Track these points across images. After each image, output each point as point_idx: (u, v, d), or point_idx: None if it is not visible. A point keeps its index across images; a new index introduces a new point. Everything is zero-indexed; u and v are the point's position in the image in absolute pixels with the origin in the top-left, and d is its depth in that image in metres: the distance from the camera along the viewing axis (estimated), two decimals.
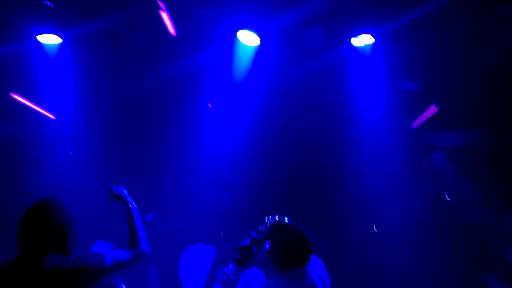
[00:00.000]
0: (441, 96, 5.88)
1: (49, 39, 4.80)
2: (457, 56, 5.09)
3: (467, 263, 6.04)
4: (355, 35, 4.85)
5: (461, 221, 6.89)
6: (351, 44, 4.87)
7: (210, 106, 5.98)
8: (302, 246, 2.52)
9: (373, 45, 4.79)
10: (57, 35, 4.77)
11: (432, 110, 6.17)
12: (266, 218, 2.68)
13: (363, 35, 4.81)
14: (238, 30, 4.79)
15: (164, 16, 4.76)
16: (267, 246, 2.59)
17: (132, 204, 2.58)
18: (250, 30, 4.75)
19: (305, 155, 6.13)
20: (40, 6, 4.29)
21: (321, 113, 5.60)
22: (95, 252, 3.80)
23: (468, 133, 6.42)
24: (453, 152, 6.87)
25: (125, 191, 2.64)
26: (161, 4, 4.64)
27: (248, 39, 4.81)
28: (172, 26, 4.84)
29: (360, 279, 6.30)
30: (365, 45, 4.78)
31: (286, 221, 2.61)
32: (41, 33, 4.70)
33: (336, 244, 6.54)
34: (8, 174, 6.25)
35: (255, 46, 4.85)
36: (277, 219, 2.63)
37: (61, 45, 4.85)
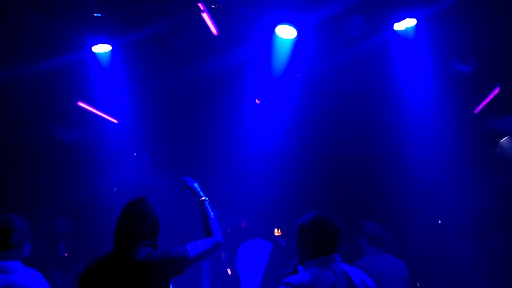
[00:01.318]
0: (501, 77, 5.49)
1: (101, 48, 5.17)
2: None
3: None
4: (397, 20, 4.68)
5: None
6: (393, 29, 4.70)
7: (258, 102, 6.08)
8: (326, 229, 2.54)
9: (416, 27, 4.57)
10: (108, 43, 5.12)
11: (493, 92, 5.80)
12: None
13: (406, 19, 4.61)
14: (276, 25, 4.82)
15: (205, 17, 4.93)
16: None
17: (204, 197, 2.77)
18: (288, 24, 4.76)
19: (355, 147, 6.00)
20: (90, 17, 4.65)
21: (367, 103, 5.46)
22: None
23: None
24: None
25: (196, 185, 2.83)
26: (202, 6, 4.82)
27: (285, 32, 4.82)
28: (213, 26, 5.00)
29: (423, 274, 6.05)
30: (407, 28, 4.58)
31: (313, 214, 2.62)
32: (95, 44, 5.08)
33: (397, 239, 6.31)
34: (80, 178, 6.77)
35: (292, 39, 4.85)
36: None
37: (112, 52, 5.21)
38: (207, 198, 2.75)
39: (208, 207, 2.71)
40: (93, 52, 5.18)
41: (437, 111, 5.52)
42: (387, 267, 4.05)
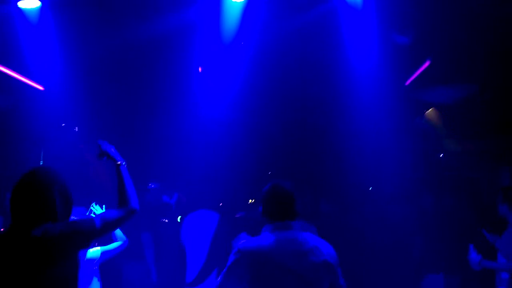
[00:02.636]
0: (433, 50, 5.81)
1: (29, 3, 4.65)
2: (449, 7, 4.98)
3: (461, 216, 6.15)
4: None
5: (455, 176, 6.97)
6: None
7: (200, 70, 5.88)
8: (280, 196, 2.55)
9: None
10: None
11: (424, 65, 6.12)
12: None
13: None
14: None
15: None
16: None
17: (121, 161, 2.52)
18: None
19: (298, 114, 6.09)
20: None
21: (312, 70, 5.52)
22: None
23: (461, 87, 6.41)
24: (447, 107, 6.88)
25: (113, 149, 2.57)
26: None
27: None
28: None
29: (359, 237, 6.39)
30: None
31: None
32: None
33: (334, 203, 6.59)
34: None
35: (242, 2, 4.70)
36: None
37: (41, 9, 4.69)
38: (124, 163, 2.52)
39: (125, 173, 2.49)
40: (18, 7, 4.63)
41: (376, 81, 5.73)
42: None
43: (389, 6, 4.78)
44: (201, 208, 5.16)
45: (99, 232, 2.23)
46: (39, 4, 4.64)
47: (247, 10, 4.76)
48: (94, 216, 2.34)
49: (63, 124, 6.90)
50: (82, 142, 6.80)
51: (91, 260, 4.02)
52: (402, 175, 6.86)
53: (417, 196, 6.58)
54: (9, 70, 5.69)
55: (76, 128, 6.88)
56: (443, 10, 5.00)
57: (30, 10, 4.68)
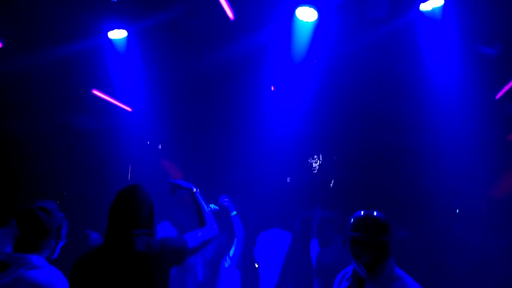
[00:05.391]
0: None
1: (117, 34, 5.09)
2: None
3: None
4: (423, 0, 4.50)
5: None
6: (418, 9, 4.52)
7: (273, 88, 5.96)
8: None
9: (443, 7, 4.40)
10: (124, 29, 5.03)
11: None
12: None
13: None
14: (296, 7, 4.67)
15: (222, 0, 4.80)
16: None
17: (194, 188, 2.70)
18: (309, 6, 4.61)
19: (375, 132, 5.85)
20: (106, 2, 4.55)
21: (390, 86, 5.30)
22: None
23: None
24: None
25: (182, 181, 2.76)
26: None
27: (306, 15, 4.67)
28: (230, 9, 4.86)
29: (438, 262, 5.93)
30: (434, 8, 4.40)
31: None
32: (111, 29, 4.99)
33: (414, 225, 6.20)
34: (92, 166, 6.72)
35: (313, 21, 4.70)
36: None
37: (127, 38, 5.11)
38: (198, 190, 2.69)
39: (200, 198, 2.66)
40: (109, 38, 5.08)
41: (461, 96, 5.35)
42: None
43: (470, 14, 4.47)
44: (270, 224, 5.19)
45: (190, 252, 2.37)
46: (125, 33, 5.06)
47: (319, 27, 4.74)
48: (185, 236, 2.42)
49: (148, 142, 7.35)
50: (164, 159, 7.20)
51: None
52: (489, 197, 6.25)
53: (505, 223, 5.94)
54: (101, 94, 6.23)
55: (160, 145, 7.28)
56: None
57: (118, 40, 5.11)
